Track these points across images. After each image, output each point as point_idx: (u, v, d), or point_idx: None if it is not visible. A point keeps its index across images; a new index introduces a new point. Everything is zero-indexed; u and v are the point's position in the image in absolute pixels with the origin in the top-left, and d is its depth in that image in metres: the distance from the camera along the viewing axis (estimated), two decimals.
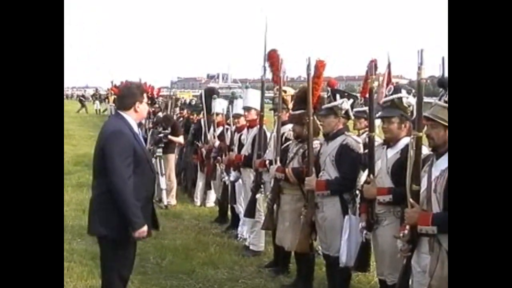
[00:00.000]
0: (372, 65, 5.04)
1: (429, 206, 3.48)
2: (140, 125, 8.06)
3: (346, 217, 4.95)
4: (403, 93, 4.41)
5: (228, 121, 8.19)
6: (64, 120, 3.48)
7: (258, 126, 6.67)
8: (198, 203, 10.24)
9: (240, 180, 7.51)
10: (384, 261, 4.40)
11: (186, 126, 11.20)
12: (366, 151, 4.69)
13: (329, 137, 5.18)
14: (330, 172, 5.07)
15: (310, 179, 5.16)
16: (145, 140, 10.46)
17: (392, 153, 4.34)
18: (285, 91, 6.32)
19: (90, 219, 4.43)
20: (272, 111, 6.64)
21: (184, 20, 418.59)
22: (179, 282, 6.06)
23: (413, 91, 4.41)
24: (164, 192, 9.90)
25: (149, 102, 8.15)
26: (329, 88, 5.40)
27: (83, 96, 51.39)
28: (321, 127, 5.33)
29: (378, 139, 4.87)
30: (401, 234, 3.71)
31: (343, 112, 5.18)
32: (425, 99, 3.59)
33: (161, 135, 10.08)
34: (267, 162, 6.23)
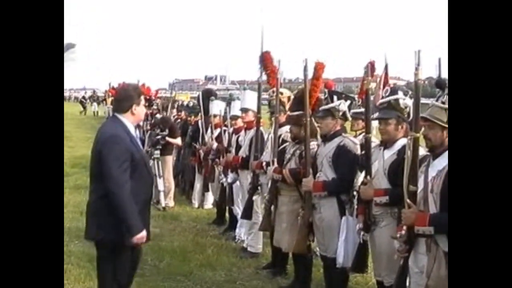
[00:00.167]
0: (369, 67, 5.05)
1: (426, 207, 3.49)
2: (138, 126, 8.07)
3: (343, 218, 4.95)
4: (400, 94, 4.42)
5: (225, 123, 8.19)
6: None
7: (255, 128, 6.67)
8: (196, 205, 10.23)
9: (237, 182, 7.52)
10: (382, 262, 4.40)
11: (183, 128, 11.18)
12: (363, 152, 4.69)
13: (326, 138, 5.18)
14: (327, 173, 5.07)
15: (307, 180, 5.16)
16: (143, 142, 10.45)
17: (389, 154, 4.35)
18: (281, 93, 6.33)
19: (87, 224, 4.40)
20: (269, 113, 6.65)
21: (182, 22, 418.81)
22: (176, 284, 6.06)
23: (410, 92, 4.42)
24: (162, 194, 9.89)
25: (147, 104, 8.15)
26: (326, 90, 5.40)
27: (83, 97, 51.18)
28: (318, 128, 5.33)
29: (376, 140, 4.89)
30: (398, 235, 3.71)
31: (341, 113, 5.19)
32: (422, 100, 3.60)
33: (159, 137, 10.06)
34: (264, 163, 6.23)
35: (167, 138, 10.17)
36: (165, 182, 10.10)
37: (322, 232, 5.19)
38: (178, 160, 11.61)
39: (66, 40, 4.16)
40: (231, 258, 7.00)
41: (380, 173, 4.36)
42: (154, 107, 14.25)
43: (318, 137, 5.40)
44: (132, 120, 4.38)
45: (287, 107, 6.23)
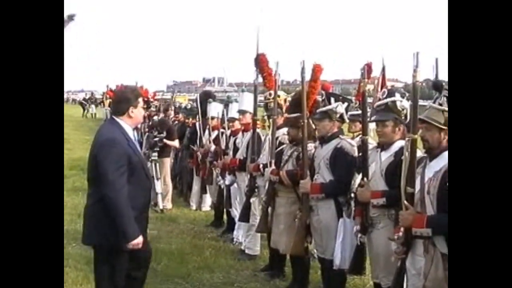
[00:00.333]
0: (365, 69, 5.06)
1: (422, 208, 3.49)
2: (135, 128, 8.08)
3: (341, 220, 4.95)
4: (397, 96, 4.42)
5: (223, 125, 8.19)
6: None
7: (252, 130, 6.68)
8: (194, 207, 10.23)
9: (235, 184, 7.52)
10: (379, 264, 4.41)
11: (181, 130, 11.18)
12: (360, 154, 4.69)
13: (323, 140, 5.18)
14: (324, 175, 5.07)
15: (304, 182, 5.16)
16: (141, 144, 10.45)
17: (386, 156, 4.35)
18: (278, 96, 6.33)
19: (84, 228, 4.37)
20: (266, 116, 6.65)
21: (180, 24, 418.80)
22: (174, 286, 6.05)
23: (407, 94, 4.43)
24: (159, 196, 9.88)
25: (145, 106, 8.13)
26: (323, 92, 5.40)
27: (84, 99, 50.89)
28: (315, 130, 5.34)
29: (373, 142, 4.89)
30: (396, 236, 3.71)
31: (338, 115, 5.18)
32: (420, 103, 3.60)
33: (157, 139, 10.06)
34: (261, 166, 6.23)
35: (164, 140, 10.17)
36: (163, 184, 10.09)
37: (319, 234, 5.19)
38: (175, 162, 11.61)
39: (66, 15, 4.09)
40: (229, 260, 6.99)
41: (377, 175, 4.36)
42: (152, 109, 14.24)
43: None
44: (130, 122, 4.34)
45: (284, 109, 6.24)
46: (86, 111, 43.81)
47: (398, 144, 4.27)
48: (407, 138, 3.60)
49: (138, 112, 4.36)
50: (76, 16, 4.47)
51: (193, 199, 10.29)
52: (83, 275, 6.10)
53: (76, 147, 20.33)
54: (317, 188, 5.07)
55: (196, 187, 10.05)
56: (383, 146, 4.43)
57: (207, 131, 9.27)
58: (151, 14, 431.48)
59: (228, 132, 8.01)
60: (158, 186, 9.82)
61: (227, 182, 7.60)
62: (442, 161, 3.46)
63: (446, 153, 3.47)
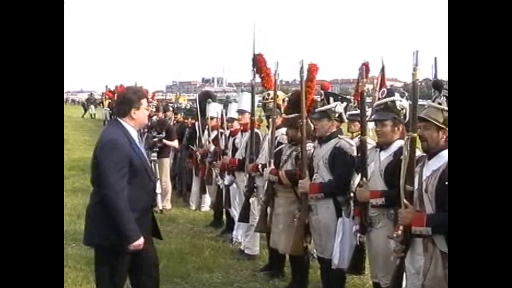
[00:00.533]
0: (363, 68, 5.06)
1: (421, 207, 3.50)
2: None
3: (340, 219, 4.95)
4: (397, 96, 4.42)
5: (222, 125, 8.20)
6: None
7: (250, 130, 6.68)
8: (193, 207, 10.23)
9: (234, 184, 7.52)
10: (378, 263, 4.41)
11: (180, 130, 11.19)
12: (359, 154, 4.69)
13: (322, 140, 5.18)
14: (323, 175, 5.07)
15: (303, 181, 5.16)
16: None
17: (385, 156, 4.35)
18: (277, 96, 6.33)
19: (86, 228, 4.36)
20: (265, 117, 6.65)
21: (180, 24, 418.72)
22: (174, 286, 6.05)
23: (406, 94, 4.43)
24: (159, 196, 9.86)
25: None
26: (322, 91, 5.40)
27: (87, 100, 50.61)
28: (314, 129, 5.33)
29: (372, 142, 4.89)
30: (395, 235, 3.71)
31: (337, 115, 5.18)
32: (419, 102, 3.60)
33: (156, 139, 10.05)
34: (259, 166, 6.23)
35: (164, 141, 10.16)
36: (162, 185, 10.09)
37: (318, 234, 5.19)
38: (175, 162, 11.61)
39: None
40: (228, 260, 7.00)
41: (376, 175, 4.36)
42: (151, 109, 14.22)
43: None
44: (133, 124, 4.28)
45: (282, 109, 6.24)
46: (86, 112, 43.71)
47: (397, 143, 4.27)
48: (406, 137, 3.61)
49: (141, 114, 4.29)
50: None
51: (192, 199, 10.29)
52: (83, 276, 6.10)
53: (76, 147, 20.32)
54: (316, 188, 5.07)
55: (195, 187, 10.05)
56: (382, 146, 4.43)
57: (206, 131, 9.27)
58: (150, 14, 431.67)
59: (227, 132, 8.01)
60: (158, 186, 9.79)
61: (226, 182, 7.61)
62: (440, 160, 3.47)
63: (444, 152, 3.48)
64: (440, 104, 3.56)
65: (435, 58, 5.28)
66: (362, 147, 4.49)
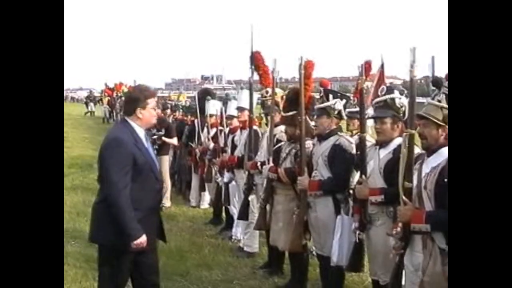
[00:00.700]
0: (364, 66, 5.05)
1: (420, 204, 3.50)
2: None
3: (338, 217, 4.94)
4: (396, 93, 4.42)
5: (222, 123, 8.19)
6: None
7: (248, 127, 6.68)
8: (194, 204, 10.24)
9: (233, 182, 7.52)
10: (377, 261, 4.41)
11: (179, 128, 11.19)
12: (359, 151, 4.69)
13: (321, 137, 5.18)
14: (322, 172, 5.07)
15: (302, 178, 5.16)
16: None
17: (385, 153, 4.35)
18: (275, 93, 6.32)
19: (90, 226, 4.39)
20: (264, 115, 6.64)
21: (178, 21, 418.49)
22: (173, 283, 6.05)
23: (406, 91, 4.42)
24: None
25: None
26: (321, 88, 5.39)
27: (94, 98, 50.26)
28: (313, 127, 5.33)
29: (371, 140, 4.88)
30: (394, 232, 3.71)
31: (336, 112, 5.17)
32: (419, 99, 3.60)
33: (155, 136, 10.04)
34: (258, 163, 6.23)
35: (163, 138, 10.16)
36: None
37: (317, 231, 5.20)
38: (174, 160, 11.61)
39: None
40: (227, 257, 7.00)
41: (375, 172, 4.36)
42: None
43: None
44: (140, 123, 4.25)
45: (281, 106, 6.23)
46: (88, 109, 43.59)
47: (397, 141, 4.26)
48: (404, 134, 3.61)
49: (147, 113, 4.25)
50: None
51: (193, 196, 10.30)
52: (82, 273, 6.11)
53: (75, 145, 20.31)
54: (316, 185, 5.07)
55: (195, 184, 10.05)
56: (381, 143, 4.43)
57: (205, 129, 9.27)
58: (149, 12, 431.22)
59: (227, 129, 8.01)
60: None
61: (225, 180, 7.61)
62: (439, 157, 3.47)
63: (443, 149, 3.48)
64: (439, 101, 3.56)
65: (433, 57, 5.27)
66: (361, 144, 4.49)
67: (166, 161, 10.57)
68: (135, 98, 4.27)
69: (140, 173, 4.13)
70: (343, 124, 5.64)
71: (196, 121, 9.74)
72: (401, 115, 4.36)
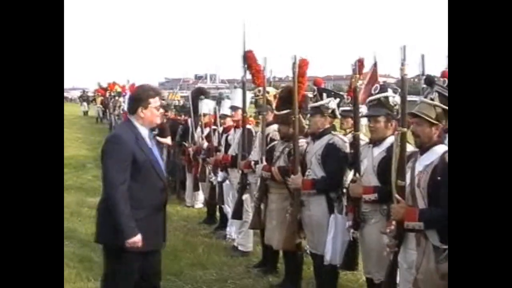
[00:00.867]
0: (357, 64, 5.06)
1: (414, 201, 3.51)
2: None
3: (332, 215, 4.95)
4: (389, 92, 4.42)
5: (215, 122, 8.19)
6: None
7: (241, 127, 6.67)
8: (190, 203, 10.23)
9: (227, 181, 7.52)
10: (371, 259, 4.42)
11: (173, 127, 11.17)
12: (352, 150, 4.70)
13: (315, 136, 5.18)
14: (316, 171, 5.07)
15: (295, 177, 5.15)
16: None
17: (378, 152, 4.35)
18: (268, 92, 6.31)
19: (96, 226, 4.37)
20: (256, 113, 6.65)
21: (172, 21, 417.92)
22: (167, 283, 6.03)
23: (399, 90, 4.43)
24: None
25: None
26: (315, 87, 5.40)
27: (87, 97, 49.94)
28: (306, 126, 5.33)
29: (365, 138, 4.89)
30: (388, 230, 3.72)
31: (330, 111, 5.17)
32: (412, 98, 3.62)
33: None
34: (252, 163, 6.23)
35: (157, 138, 10.13)
36: None
37: (311, 230, 5.20)
38: (168, 159, 11.58)
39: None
40: (222, 257, 7.00)
41: (369, 171, 4.37)
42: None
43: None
44: (142, 122, 4.25)
45: (274, 105, 6.23)
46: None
47: (390, 139, 4.26)
48: (396, 132, 3.62)
49: (148, 113, 4.23)
50: None
51: (188, 196, 10.29)
52: (76, 273, 6.09)
53: (68, 145, 20.19)
54: (309, 184, 5.07)
55: (189, 184, 10.04)
56: (375, 142, 4.43)
57: (199, 128, 9.26)
58: (142, 11, 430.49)
59: (220, 129, 8.00)
60: None
61: (219, 179, 7.61)
62: (432, 154, 3.48)
63: (436, 148, 3.49)
64: (432, 100, 3.57)
65: (422, 55, 5.30)
66: (355, 142, 4.50)
67: None
68: (137, 98, 4.29)
69: (139, 171, 4.12)
70: (337, 123, 5.64)
71: (189, 120, 9.72)
72: (395, 113, 4.37)
